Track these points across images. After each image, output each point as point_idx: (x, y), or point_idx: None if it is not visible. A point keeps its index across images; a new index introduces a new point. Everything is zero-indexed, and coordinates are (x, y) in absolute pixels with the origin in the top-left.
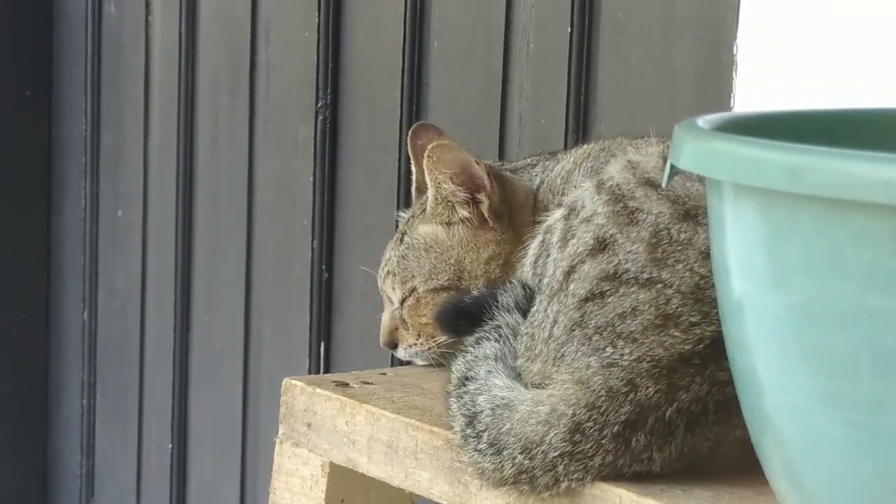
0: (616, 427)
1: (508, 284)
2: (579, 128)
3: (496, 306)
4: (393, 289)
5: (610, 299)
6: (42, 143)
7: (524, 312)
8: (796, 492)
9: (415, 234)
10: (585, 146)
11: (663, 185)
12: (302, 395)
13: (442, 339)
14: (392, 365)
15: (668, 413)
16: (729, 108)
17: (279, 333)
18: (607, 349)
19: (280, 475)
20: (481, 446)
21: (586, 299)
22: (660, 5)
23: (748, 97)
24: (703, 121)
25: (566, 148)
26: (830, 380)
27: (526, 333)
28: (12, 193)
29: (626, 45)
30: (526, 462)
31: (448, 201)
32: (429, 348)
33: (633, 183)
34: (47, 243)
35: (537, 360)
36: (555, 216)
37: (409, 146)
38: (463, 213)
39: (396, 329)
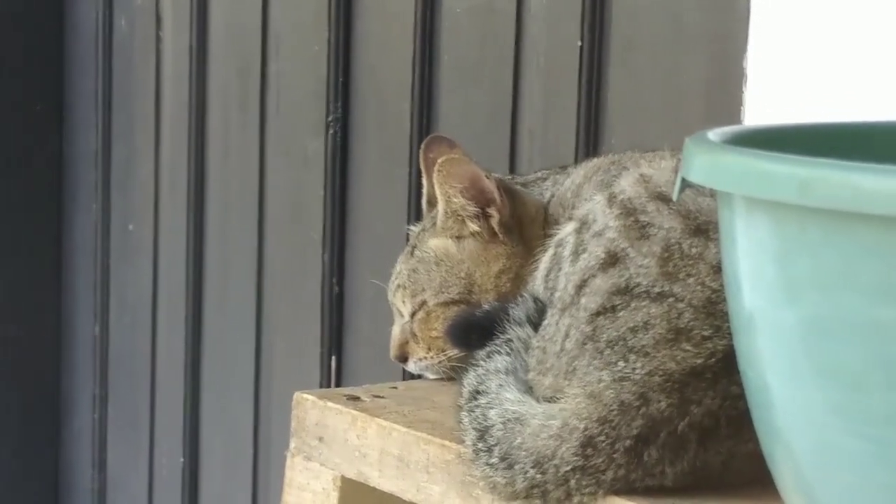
0: (628, 441)
1: (519, 298)
2: (590, 142)
3: (507, 320)
4: (403, 302)
5: (621, 313)
6: (53, 157)
7: (535, 326)
8: None
9: (425, 247)
10: (596, 160)
11: (674, 199)
12: (313, 409)
13: (452, 352)
14: (403, 378)
15: (680, 427)
16: (739, 122)
17: (290, 347)
18: (619, 363)
19: (291, 489)
20: (493, 460)
21: (598, 313)
22: (670, 19)
23: (758, 110)
24: (714, 134)
25: (577, 162)
26: (842, 393)
27: (537, 347)
28: (23, 207)
29: (636, 58)
30: (538, 476)
31: (458, 215)
32: (439, 362)
33: (645, 197)
34: (58, 257)
35: (549, 373)
36: (566, 230)
37: (421, 159)
38: (473, 226)
39: (407, 342)
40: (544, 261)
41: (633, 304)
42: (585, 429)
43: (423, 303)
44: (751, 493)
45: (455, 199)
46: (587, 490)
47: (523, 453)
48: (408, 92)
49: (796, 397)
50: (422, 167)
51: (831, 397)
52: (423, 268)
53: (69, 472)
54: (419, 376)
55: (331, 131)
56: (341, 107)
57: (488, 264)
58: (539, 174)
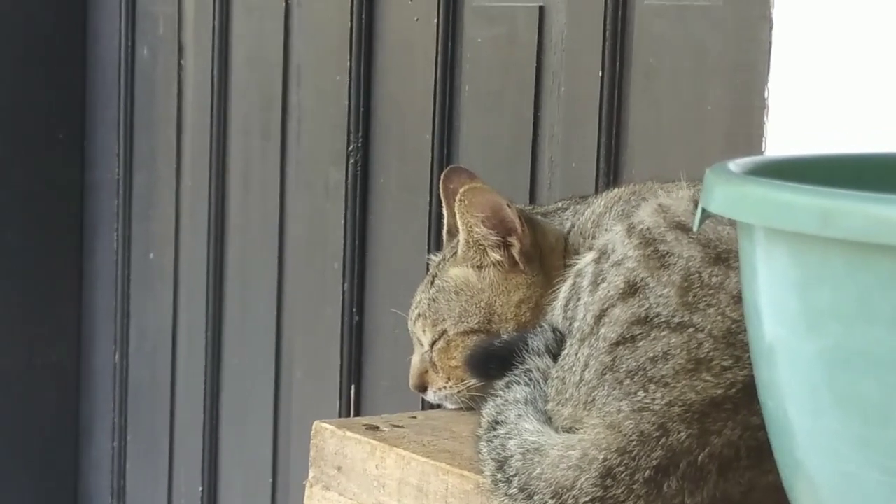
0: (648, 472)
1: (539, 328)
2: (610, 171)
3: (526, 350)
4: (423, 331)
5: (641, 343)
6: (75, 185)
7: (554, 356)
8: None
9: (446, 276)
10: (616, 190)
11: (694, 229)
12: (332, 439)
13: (471, 382)
14: (422, 408)
15: (700, 458)
16: (760, 152)
17: (309, 376)
18: (639, 393)
19: None
20: (512, 491)
21: (617, 343)
22: (691, 49)
23: (779, 141)
24: (735, 164)
25: (597, 191)
26: (862, 425)
27: (556, 377)
28: (45, 235)
29: (657, 88)
30: None
31: (479, 244)
32: (458, 391)
33: (664, 227)
34: (79, 285)
35: (568, 404)
36: (585, 260)
37: (441, 189)
38: (494, 256)
39: (426, 372)
40: (563, 290)
41: (652, 334)
42: (605, 459)
43: (444, 332)
44: None
45: (477, 229)
46: None
47: (542, 484)
48: (429, 122)
49: (817, 429)
50: (442, 198)
51: (852, 429)
52: (443, 297)
53: (88, 500)
54: (438, 406)
55: (352, 161)
56: (362, 137)
57: (508, 294)
58: (559, 204)
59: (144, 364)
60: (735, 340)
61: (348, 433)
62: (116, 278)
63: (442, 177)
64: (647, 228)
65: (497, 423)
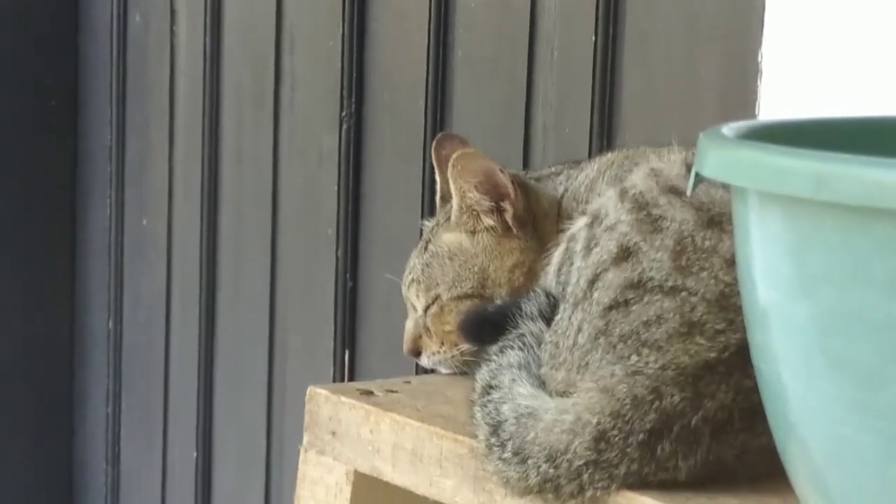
0: (641, 435)
1: (532, 293)
2: (604, 136)
3: (520, 314)
4: (417, 296)
5: (634, 307)
6: (67, 153)
7: (548, 321)
8: (822, 500)
9: (439, 242)
10: (609, 154)
11: (688, 194)
12: (326, 404)
13: (465, 347)
14: (417, 373)
15: (693, 421)
16: (754, 117)
17: (304, 342)
18: (632, 357)
19: (305, 484)
20: (506, 455)
21: (610, 307)
22: (685, 14)
23: (773, 105)
24: (728, 129)
25: (590, 156)
26: (856, 388)
27: (550, 342)
28: (38, 203)
29: (650, 53)
30: (551, 471)
31: (473, 210)
32: (452, 356)
33: (657, 191)
34: (72, 253)
35: (561, 368)
36: (578, 224)
37: (433, 156)
38: (487, 221)
39: (420, 337)
40: (557, 255)
41: (645, 299)
42: (598, 423)
43: (437, 297)
44: (764, 487)
45: (470, 194)
46: (600, 484)
47: (536, 448)
48: (422, 87)
49: (810, 392)
50: (434, 164)
51: (845, 392)
52: (436, 262)
53: (83, 467)
54: (432, 371)
55: (345, 127)
56: (355, 102)
57: (502, 258)
58: (552, 169)
59: (138, 331)
60: (728, 304)
61: (343, 398)
62: (109, 245)
63: (434, 143)
64: (640, 192)
65: (491, 387)
